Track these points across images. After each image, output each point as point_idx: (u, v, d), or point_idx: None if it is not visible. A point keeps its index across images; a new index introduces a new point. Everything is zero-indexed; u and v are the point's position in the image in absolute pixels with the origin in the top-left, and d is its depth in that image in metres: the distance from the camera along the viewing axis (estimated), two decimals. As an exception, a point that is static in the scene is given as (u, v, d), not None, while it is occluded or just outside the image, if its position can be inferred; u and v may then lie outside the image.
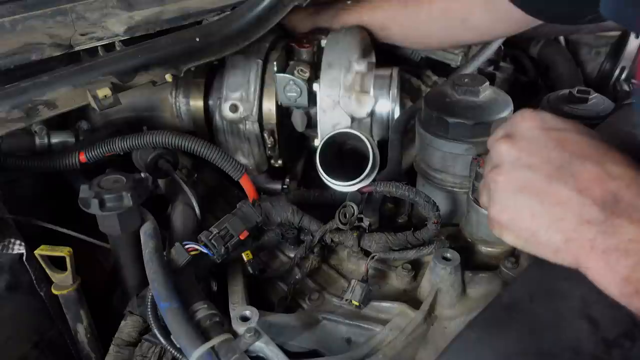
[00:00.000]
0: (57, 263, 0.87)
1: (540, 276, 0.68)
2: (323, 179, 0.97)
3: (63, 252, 0.84)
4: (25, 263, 0.87)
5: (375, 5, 1.26)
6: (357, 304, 0.88)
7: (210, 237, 0.89)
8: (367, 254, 0.98)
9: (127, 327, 0.88)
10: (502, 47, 1.57)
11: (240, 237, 0.91)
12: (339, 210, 0.95)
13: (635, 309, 0.53)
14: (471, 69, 1.36)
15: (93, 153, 1.01)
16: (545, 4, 1.04)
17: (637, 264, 0.51)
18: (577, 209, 0.55)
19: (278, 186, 1.30)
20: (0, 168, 0.99)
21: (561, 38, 1.69)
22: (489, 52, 1.39)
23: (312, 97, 1.14)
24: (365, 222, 0.99)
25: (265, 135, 1.19)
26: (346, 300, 0.89)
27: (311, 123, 1.20)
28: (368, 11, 1.26)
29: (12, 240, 0.87)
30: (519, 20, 1.11)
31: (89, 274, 0.91)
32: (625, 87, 1.51)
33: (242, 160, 1.23)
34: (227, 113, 1.15)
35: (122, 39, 1.03)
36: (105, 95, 0.90)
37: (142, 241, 0.89)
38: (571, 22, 1.11)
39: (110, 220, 0.88)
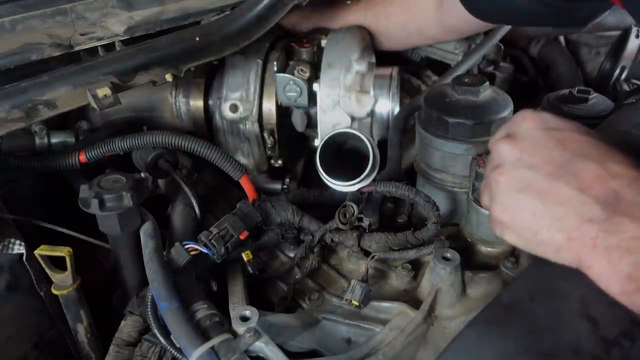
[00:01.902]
0: (57, 263, 0.87)
1: (540, 276, 0.68)
2: (323, 179, 0.97)
3: (63, 252, 0.84)
4: (25, 263, 0.87)
5: (350, 9, 1.32)
6: (357, 304, 0.88)
7: (210, 237, 0.89)
8: (367, 254, 0.98)
9: (127, 327, 0.88)
10: (502, 47, 1.57)
11: (240, 237, 0.91)
12: (339, 210, 0.95)
13: (636, 307, 0.53)
14: (465, 68, 1.36)
15: (93, 153, 1.01)
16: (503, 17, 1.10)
17: (639, 262, 0.52)
18: (579, 207, 0.56)
19: (278, 186, 1.30)
20: (0, 168, 0.99)
21: (561, 38, 1.69)
22: (484, 51, 1.40)
23: (312, 97, 1.14)
24: (365, 222, 0.99)
25: (265, 135, 1.19)
26: (346, 300, 0.89)
27: (311, 123, 1.20)
28: (348, 14, 1.31)
29: (12, 240, 0.87)
30: (476, 27, 1.22)
31: (89, 274, 0.91)
32: (625, 87, 1.51)
33: (242, 160, 1.23)
34: (227, 113, 1.15)
35: (122, 38, 1.03)
36: (105, 95, 0.90)
37: (142, 241, 0.89)
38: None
39: (110, 220, 0.88)
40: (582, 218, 0.55)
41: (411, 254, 0.94)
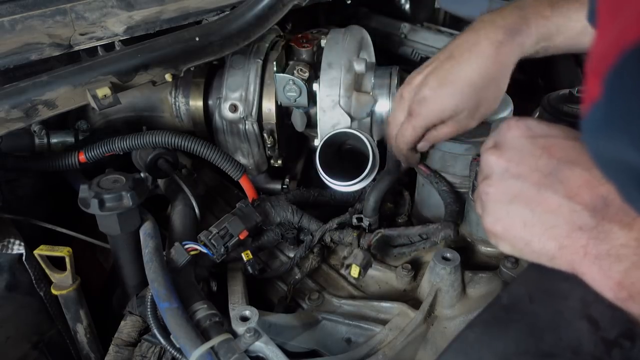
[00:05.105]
0: (57, 263, 0.87)
1: (540, 276, 0.68)
2: (323, 178, 0.97)
3: (63, 252, 0.84)
4: (25, 263, 0.87)
5: None
6: (358, 269, 0.87)
7: (210, 237, 0.89)
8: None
9: (127, 327, 0.88)
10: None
11: (239, 237, 0.91)
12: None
13: (631, 312, 0.53)
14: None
15: (93, 153, 1.01)
16: None
17: (630, 269, 0.52)
18: (568, 215, 0.55)
19: (278, 186, 1.30)
20: (0, 168, 0.99)
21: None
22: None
23: (311, 97, 1.14)
24: (365, 222, 0.99)
25: (265, 135, 1.19)
26: (347, 266, 0.89)
27: (311, 123, 1.20)
28: None
29: (12, 240, 0.87)
30: None
31: (89, 274, 0.91)
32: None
33: (242, 160, 1.23)
34: (227, 113, 1.15)
35: (122, 38, 1.03)
36: (105, 95, 0.90)
37: (141, 241, 0.89)
38: None
39: (109, 220, 0.88)
40: (572, 226, 0.55)
41: (415, 230, 0.94)
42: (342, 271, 0.92)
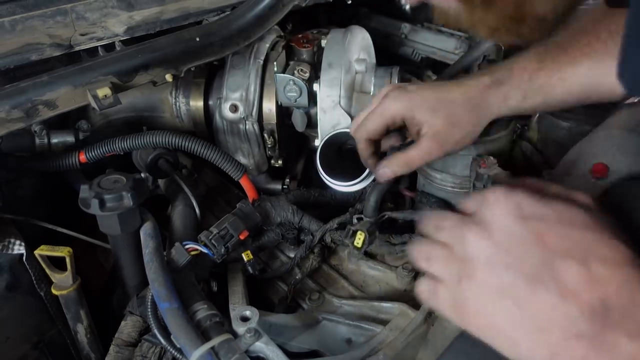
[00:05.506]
0: (57, 263, 0.87)
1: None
2: (323, 179, 0.97)
3: (63, 252, 0.84)
4: (25, 263, 0.87)
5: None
6: (363, 236, 0.89)
7: (210, 237, 0.89)
8: (367, 254, 0.98)
9: (127, 327, 0.88)
10: (502, 47, 1.57)
11: (240, 237, 0.92)
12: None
13: None
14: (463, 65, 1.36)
15: (93, 153, 1.01)
16: None
17: None
18: (563, 320, 0.48)
19: (278, 186, 1.30)
20: (1, 168, 0.99)
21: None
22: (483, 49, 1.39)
23: (312, 97, 1.14)
24: (366, 222, 0.99)
25: (265, 135, 1.19)
26: (352, 233, 0.90)
27: (311, 123, 1.20)
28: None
29: (12, 240, 0.87)
30: None
31: (89, 274, 0.91)
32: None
33: (242, 160, 1.23)
34: (227, 113, 1.15)
35: (122, 39, 1.03)
36: (105, 95, 0.90)
37: (142, 241, 0.89)
38: None
39: (110, 220, 0.88)
40: (567, 332, 0.48)
41: (419, 213, 0.94)
42: (347, 240, 0.93)
